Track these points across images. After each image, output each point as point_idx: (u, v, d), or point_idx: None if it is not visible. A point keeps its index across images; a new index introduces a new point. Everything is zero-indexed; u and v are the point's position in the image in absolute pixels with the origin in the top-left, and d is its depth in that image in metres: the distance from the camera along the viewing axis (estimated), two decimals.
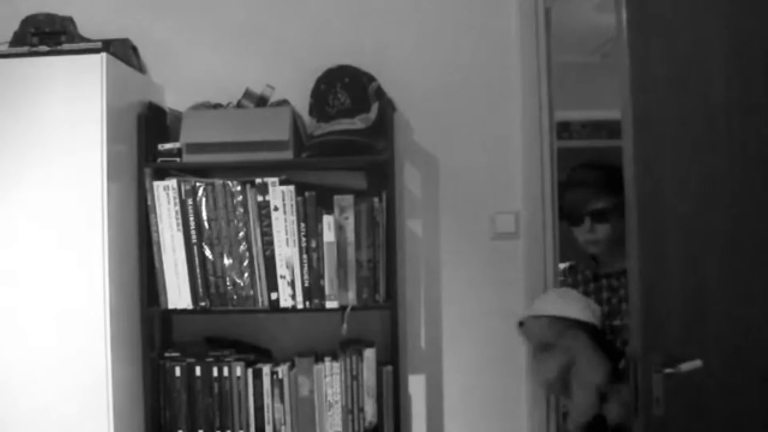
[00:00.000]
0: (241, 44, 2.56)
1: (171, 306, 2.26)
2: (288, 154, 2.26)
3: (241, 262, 2.26)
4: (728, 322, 1.70)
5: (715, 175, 1.71)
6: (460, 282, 2.51)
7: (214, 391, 2.29)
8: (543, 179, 2.45)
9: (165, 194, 2.25)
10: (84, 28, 2.33)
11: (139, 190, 2.28)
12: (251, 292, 2.26)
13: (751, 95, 1.72)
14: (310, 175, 2.38)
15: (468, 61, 2.53)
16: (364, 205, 2.26)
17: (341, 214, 2.25)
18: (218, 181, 2.26)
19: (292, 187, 2.25)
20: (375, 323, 2.40)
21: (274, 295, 2.25)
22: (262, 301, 2.26)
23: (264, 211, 2.25)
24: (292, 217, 2.24)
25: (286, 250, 2.25)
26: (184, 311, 2.28)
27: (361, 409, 2.28)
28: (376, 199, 2.26)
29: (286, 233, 2.25)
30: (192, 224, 2.25)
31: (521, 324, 2.23)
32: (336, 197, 2.26)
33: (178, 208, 2.25)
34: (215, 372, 2.29)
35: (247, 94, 2.36)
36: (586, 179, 2.29)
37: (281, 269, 2.25)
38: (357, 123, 2.26)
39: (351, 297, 2.25)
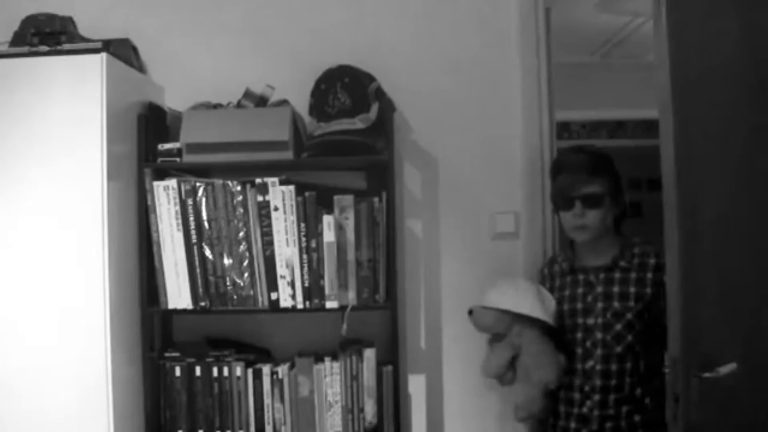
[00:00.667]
0: (241, 44, 2.56)
1: (171, 306, 2.26)
2: (288, 154, 2.26)
3: (241, 262, 2.26)
4: (764, 325, 1.66)
5: (753, 175, 1.66)
6: (460, 282, 2.51)
7: (214, 391, 2.29)
8: (543, 179, 2.44)
9: (165, 194, 2.25)
10: (84, 28, 2.33)
11: (139, 190, 2.27)
12: (251, 292, 2.26)
13: None
14: (310, 175, 2.38)
15: (468, 61, 2.53)
16: (364, 205, 2.26)
17: (341, 214, 2.25)
18: (218, 181, 2.26)
19: (292, 187, 2.25)
20: (375, 323, 2.40)
21: (274, 295, 2.25)
22: (262, 301, 2.26)
23: (264, 211, 2.25)
24: (292, 217, 2.24)
25: (286, 250, 2.25)
26: (184, 311, 2.28)
27: (361, 409, 2.28)
28: (376, 199, 2.26)
29: (286, 233, 2.25)
30: (192, 224, 2.25)
31: (470, 312, 2.20)
32: (336, 197, 2.26)
33: (178, 208, 2.25)
34: (215, 372, 2.29)
35: (247, 94, 2.36)
36: (577, 162, 2.18)
37: (281, 269, 2.25)
38: (357, 123, 2.26)
39: (351, 297, 2.25)
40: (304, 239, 2.25)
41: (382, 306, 2.26)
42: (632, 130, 7.79)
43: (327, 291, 2.25)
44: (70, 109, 2.10)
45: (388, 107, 2.35)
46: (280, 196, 2.24)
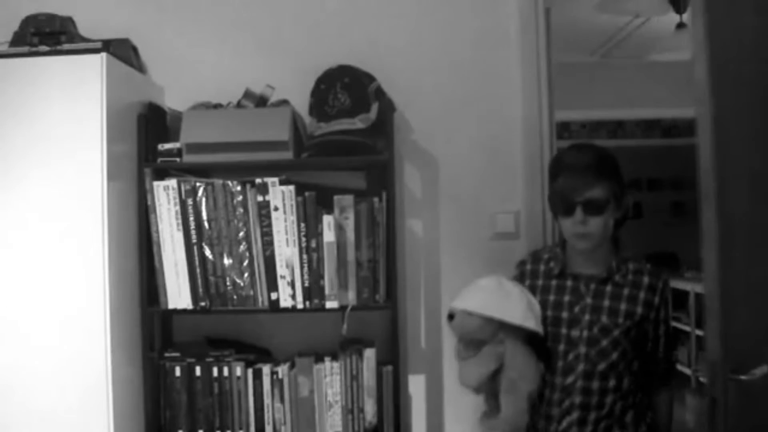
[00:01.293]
0: (241, 44, 2.56)
1: (171, 306, 2.26)
2: (288, 154, 2.26)
3: (241, 262, 2.26)
4: None
5: None
6: (460, 282, 2.50)
7: (214, 391, 2.29)
8: (543, 179, 2.44)
9: (165, 194, 2.25)
10: (84, 28, 2.33)
11: (139, 190, 2.27)
12: (251, 292, 2.26)
13: None
14: (310, 175, 2.38)
15: (468, 61, 2.53)
16: (364, 205, 2.26)
17: (341, 214, 2.25)
18: (218, 181, 2.26)
19: (292, 187, 2.25)
20: (375, 323, 2.40)
21: (274, 295, 2.25)
22: (262, 301, 2.26)
23: (264, 211, 2.25)
24: (292, 217, 2.24)
25: (286, 250, 2.25)
26: (184, 311, 2.28)
27: (361, 409, 2.28)
28: (376, 199, 2.26)
29: (286, 233, 2.25)
30: (192, 224, 2.25)
31: (451, 317, 1.99)
32: (336, 197, 2.26)
33: (178, 208, 2.25)
34: (215, 372, 2.29)
35: (247, 94, 2.36)
36: (581, 163, 1.96)
37: (281, 269, 2.25)
38: (357, 123, 2.26)
39: (351, 297, 2.25)
40: (304, 239, 2.25)
41: (382, 306, 2.26)
42: (632, 130, 7.80)
43: (327, 291, 2.25)
44: (70, 109, 2.10)
45: (388, 107, 2.35)
46: (280, 196, 2.24)
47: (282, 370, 2.30)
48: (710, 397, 1.58)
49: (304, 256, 2.25)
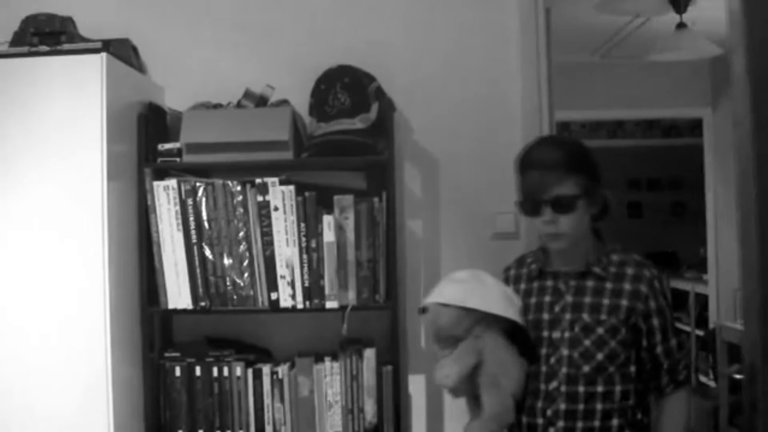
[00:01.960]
0: (241, 44, 2.56)
1: (171, 306, 2.26)
2: (288, 154, 2.26)
3: (241, 262, 2.26)
4: None
5: None
6: None
7: (214, 391, 2.29)
8: None
9: (165, 194, 2.25)
10: (84, 28, 2.33)
11: (139, 190, 2.27)
12: (251, 292, 2.26)
13: None
14: (310, 175, 2.38)
15: (468, 61, 2.53)
16: (364, 205, 2.26)
17: (341, 214, 2.25)
18: (218, 181, 2.26)
19: (292, 187, 2.25)
20: (375, 323, 2.40)
21: (274, 295, 2.25)
22: (262, 301, 2.26)
23: (264, 211, 2.25)
24: (292, 217, 2.24)
25: (286, 250, 2.25)
26: (184, 311, 2.28)
27: (361, 409, 2.28)
28: (376, 199, 2.26)
29: (286, 233, 2.25)
30: (192, 224, 2.25)
31: (424, 310, 1.84)
32: (336, 197, 2.26)
33: (178, 208, 2.25)
34: (215, 372, 2.29)
35: (247, 94, 2.36)
36: (548, 158, 1.81)
37: (281, 269, 2.25)
38: (357, 123, 2.26)
39: (351, 297, 2.25)
40: (304, 239, 2.25)
41: (382, 306, 2.26)
42: (632, 130, 7.80)
43: (327, 291, 2.25)
44: (70, 109, 2.10)
45: (388, 107, 2.35)
46: (280, 196, 2.24)
47: (282, 370, 2.30)
48: (749, 401, 1.48)
49: (304, 256, 2.25)
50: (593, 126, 7.56)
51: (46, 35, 2.22)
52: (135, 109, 2.30)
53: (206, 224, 2.26)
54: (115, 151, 2.15)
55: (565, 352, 1.79)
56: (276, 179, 2.25)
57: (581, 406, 1.77)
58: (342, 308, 2.23)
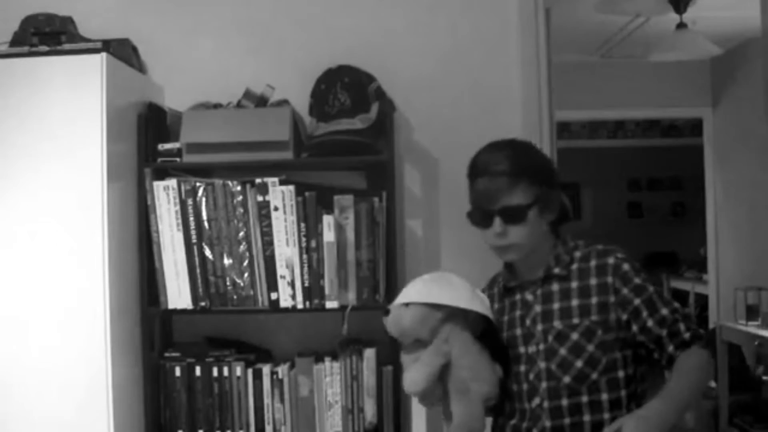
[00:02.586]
0: (241, 44, 2.56)
1: (171, 306, 2.26)
2: (288, 154, 2.26)
3: (241, 262, 2.26)
4: None
5: None
6: None
7: (214, 391, 2.29)
8: None
9: (165, 194, 2.25)
10: (84, 28, 2.33)
11: (139, 190, 2.27)
12: (251, 292, 2.26)
13: None
14: (310, 175, 2.38)
15: (468, 61, 2.53)
16: (364, 205, 2.26)
17: (341, 214, 2.25)
18: (218, 181, 2.26)
19: (292, 187, 2.25)
20: (375, 323, 2.38)
21: (274, 295, 2.25)
22: (262, 301, 2.26)
23: (264, 211, 2.25)
24: (292, 217, 2.24)
25: (286, 250, 2.25)
26: (184, 311, 2.28)
27: (361, 409, 2.28)
28: (376, 199, 2.26)
29: (286, 233, 2.25)
30: (192, 224, 2.25)
31: (386, 313, 1.76)
32: (336, 197, 2.26)
33: (178, 208, 2.25)
34: (215, 372, 2.29)
35: (247, 94, 2.36)
36: (493, 164, 1.70)
37: (281, 269, 2.25)
38: (357, 123, 2.26)
39: (351, 297, 2.25)
40: (304, 239, 2.25)
41: (382, 306, 2.25)
42: (632, 130, 7.79)
43: (327, 291, 2.25)
44: (69, 109, 2.10)
45: (388, 107, 2.35)
46: (280, 196, 2.24)
47: (282, 370, 2.30)
48: None
49: (304, 256, 2.25)
50: (593, 126, 7.56)
51: (46, 35, 2.22)
52: (135, 109, 2.30)
53: (206, 224, 2.26)
54: (115, 151, 2.15)
55: (542, 365, 1.69)
56: (276, 179, 2.25)
57: (567, 420, 1.65)
58: (342, 308, 2.23)
